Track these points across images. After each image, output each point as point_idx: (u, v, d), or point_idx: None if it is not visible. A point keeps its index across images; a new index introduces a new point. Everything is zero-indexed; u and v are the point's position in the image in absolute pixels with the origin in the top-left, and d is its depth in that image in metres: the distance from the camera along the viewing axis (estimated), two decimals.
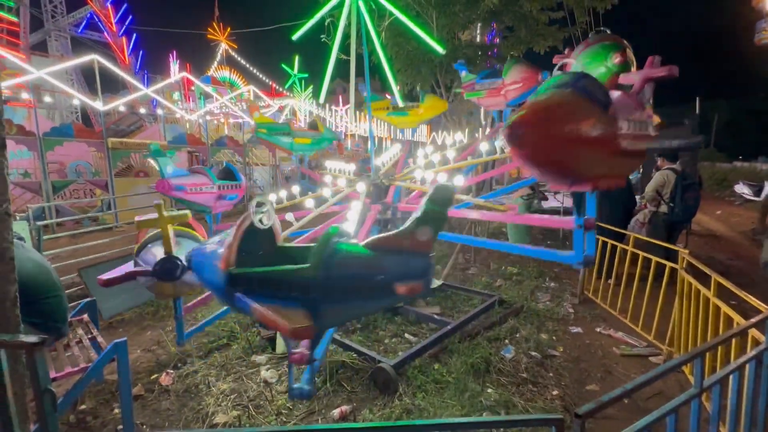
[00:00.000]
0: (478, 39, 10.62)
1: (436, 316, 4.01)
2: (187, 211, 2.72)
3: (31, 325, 2.45)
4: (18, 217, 5.08)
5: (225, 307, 3.39)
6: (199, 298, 3.11)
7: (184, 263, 2.47)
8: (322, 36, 5.63)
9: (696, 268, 3.14)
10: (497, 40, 10.46)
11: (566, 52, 2.71)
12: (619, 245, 4.41)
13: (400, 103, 4.86)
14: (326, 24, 5.19)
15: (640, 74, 2.13)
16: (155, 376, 3.25)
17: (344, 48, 5.20)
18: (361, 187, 3.71)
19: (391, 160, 4.95)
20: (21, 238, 3.18)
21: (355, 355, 3.32)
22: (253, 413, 2.73)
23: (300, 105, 21.69)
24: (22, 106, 11.58)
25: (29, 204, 7.89)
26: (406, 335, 3.82)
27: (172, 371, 3.28)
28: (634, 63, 2.30)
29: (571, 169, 1.68)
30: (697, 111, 8.62)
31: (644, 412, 2.70)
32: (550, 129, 1.51)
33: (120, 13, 23.46)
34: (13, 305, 1.25)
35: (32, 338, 1.03)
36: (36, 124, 9.01)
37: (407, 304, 4.31)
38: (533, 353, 3.47)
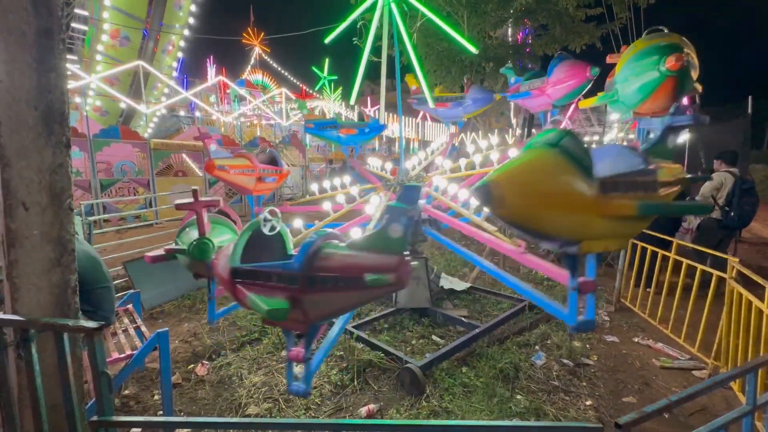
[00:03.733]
0: (510, 38, 10.42)
1: (464, 319, 3.97)
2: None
3: (83, 313, 2.64)
4: (79, 210, 5.49)
5: None
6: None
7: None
8: (354, 39, 5.70)
9: (747, 278, 2.93)
10: (530, 39, 10.22)
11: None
12: (660, 251, 4.19)
13: (431, 104, 4.85)
14: (358, 27, 5.25)
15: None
16: (192, 366, 3.40)
17: (375, 50, 5.25)
18: (375, 200, 3.68)
19: (423, 161, 4.91)
20: (75, 233, 3.43)
21: (382, 354, 3.34)
22: (283, 407, 2.81)
23: (329, 106, 22.05)
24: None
25: (80, 201, 8.48)
26: (434, 337, 3.80)
27: (207, 362, 3.43)
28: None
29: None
30: (749, 110, 8.06)
31: (686, 429, 2.56)
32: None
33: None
34: (74, 293, 1.35)
35: (92, 324, 1.12)
36: (87, 127, 9.67)
37: (434, 306, 4.29)
38: (565, 361, 3.36)
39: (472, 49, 4.45)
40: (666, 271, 4.08)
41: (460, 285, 4.84)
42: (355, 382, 3.04)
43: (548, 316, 4.17)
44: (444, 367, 3.17)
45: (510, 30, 10.34)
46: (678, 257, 3.93)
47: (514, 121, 12.84)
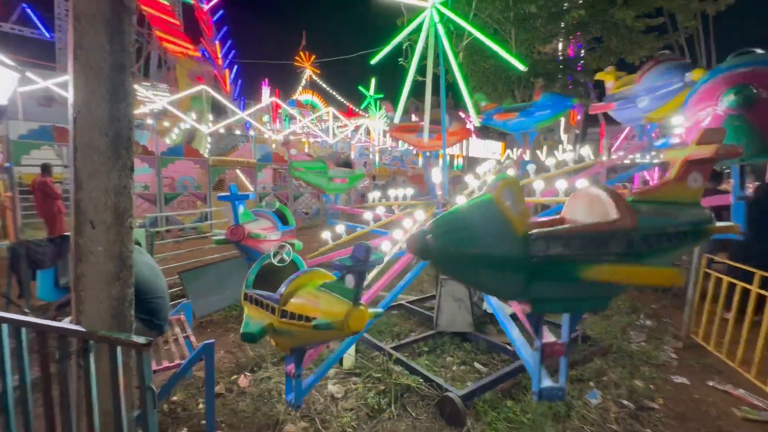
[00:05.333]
0: (560, 52, 10.09)
1: (509, 347, 3.74)
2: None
3: (140, 321, 2.82)
4: (138, 224, 6.02)
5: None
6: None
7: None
8: (399, 59, 5.82)
9: None
10: (583, 53, 9.83)
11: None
12: (739, 284, 3.69)
13: (476, 122, 4.76)
14: (404, 47, 5.36)
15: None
16: (235, 377, 3.49)
17: (420, 69, 5.30)
18: (420, 215, 3.66)
19: (485, 174, 4.66)
20: (138, 243, 3.73)
21: (421, 379, 3.23)
22: (320, 427, 2.78)
23: (374, 124, 22.55)
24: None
25: (147, 213, 9.28)
26: (476, 364, 3.62)
27: (249, 374, 3.51)
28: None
29: None
30: None
31: None
32: None
33: (225, 48, 26.98)
34: (129, 306, 1.44)
35: (141, 339, 1.17)
36: (156, 146, 10.64)
37: (477, 331, 4.10)
38: (625, 402, 3.03)
39: (520, 66, 4.32)
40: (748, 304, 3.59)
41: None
42: (393, 408, 2.95)
43: (604, 348, 3.82)
44: (487, 399, 2.98)
45: (561, 44, 10.01)
46: (761, 291, 3.45)
47: (564, 137, 12.29)
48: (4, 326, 1.48)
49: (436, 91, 4.80)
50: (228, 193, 3.79)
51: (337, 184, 4.89)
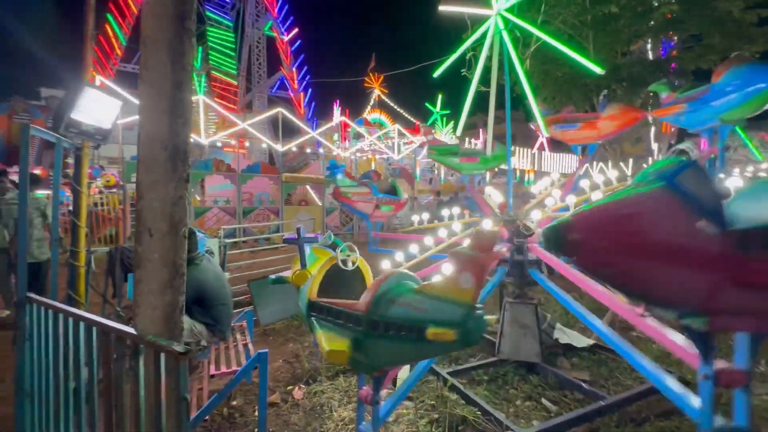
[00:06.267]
0: (650, 54, 9.07)
1: (584, 385, 3.28)
2: None
3: (206, 325, 3.00)
4: (218, 234, 6.58)
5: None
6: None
7: None
8: (462, 70, 5.69)
9: None
10: (675, 53, 8.73)
11: None
12: None
13: (545, 134, 4.41)
14: (468, 58, 5.24)
15: None
16: (290, 387, 3.54)
17: (485, 80, 5.11)
18: (488, 223, 3.45)
19: (540, 194, 4.46)
20: (211, 253, 4.02)
21: (479, 412, 2.95)
22: None
23: (440, 139, 22.43)
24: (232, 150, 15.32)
25: (226, 225, 10.17)
26: (544, 401, 3.22)
27: (304, 386, 3.52)
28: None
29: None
30: None
31: None
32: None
33: (301, 74, 29.22)
34: (180, 313, 1.49)
35: (180, 347, 1.18)
36: (238, 164, 11.73)
37: (546, 362, 3.67)
38: None
39: (597, 70, 3.92)
40: None
41: (580, 341, 4.08)
42: None
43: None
44: None
45: (649, 44, 9.00)
46: None
47: (654, 147, 10.95)
48: (81, 324, 1.63)
49: (502, 104, 4.59)
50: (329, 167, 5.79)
51: (467, 163, 5.45)
